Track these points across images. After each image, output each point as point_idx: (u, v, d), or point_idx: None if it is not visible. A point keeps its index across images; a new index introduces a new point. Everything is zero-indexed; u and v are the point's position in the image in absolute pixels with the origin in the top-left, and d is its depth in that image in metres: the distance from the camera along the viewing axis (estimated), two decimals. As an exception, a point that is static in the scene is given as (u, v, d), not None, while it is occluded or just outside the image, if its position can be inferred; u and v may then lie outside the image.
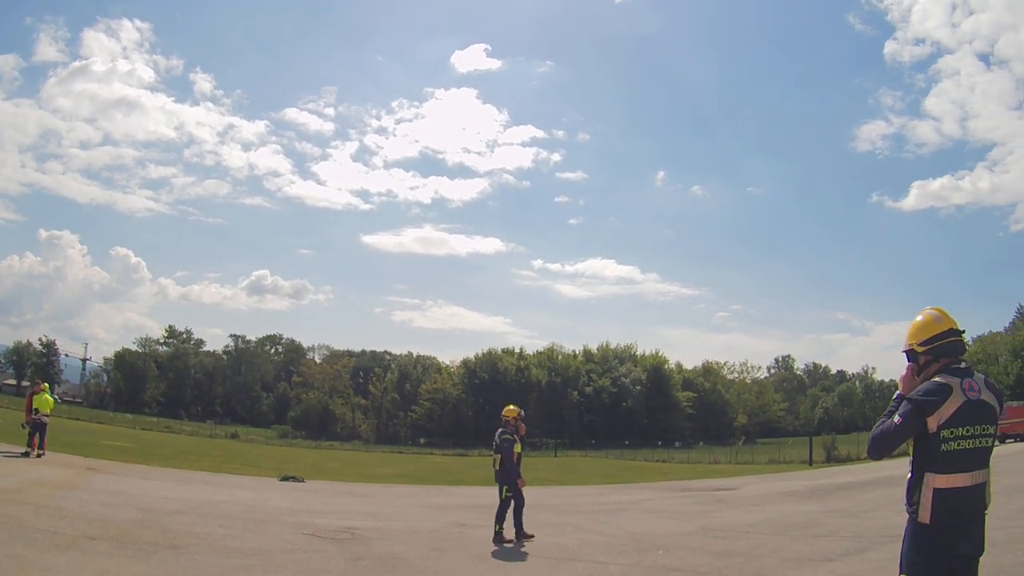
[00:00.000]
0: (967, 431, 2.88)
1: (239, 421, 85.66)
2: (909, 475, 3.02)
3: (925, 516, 2.91)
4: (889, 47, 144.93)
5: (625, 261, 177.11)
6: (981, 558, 3.02)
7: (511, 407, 10.00)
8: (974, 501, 2.93)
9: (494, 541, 8.98)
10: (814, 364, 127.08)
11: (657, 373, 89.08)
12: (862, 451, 34.56)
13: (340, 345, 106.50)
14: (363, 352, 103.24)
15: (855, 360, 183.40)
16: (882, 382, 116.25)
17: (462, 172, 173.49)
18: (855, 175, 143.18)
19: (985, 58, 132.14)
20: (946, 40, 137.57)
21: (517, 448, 9.59)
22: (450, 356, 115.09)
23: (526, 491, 9.59)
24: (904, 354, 3.19)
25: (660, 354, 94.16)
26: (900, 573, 3.04)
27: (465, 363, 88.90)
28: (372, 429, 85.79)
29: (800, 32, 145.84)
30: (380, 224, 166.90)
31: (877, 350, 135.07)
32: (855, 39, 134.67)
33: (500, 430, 9.70)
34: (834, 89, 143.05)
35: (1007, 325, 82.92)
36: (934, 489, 2.88)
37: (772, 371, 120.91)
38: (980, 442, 2.91)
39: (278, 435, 71.54)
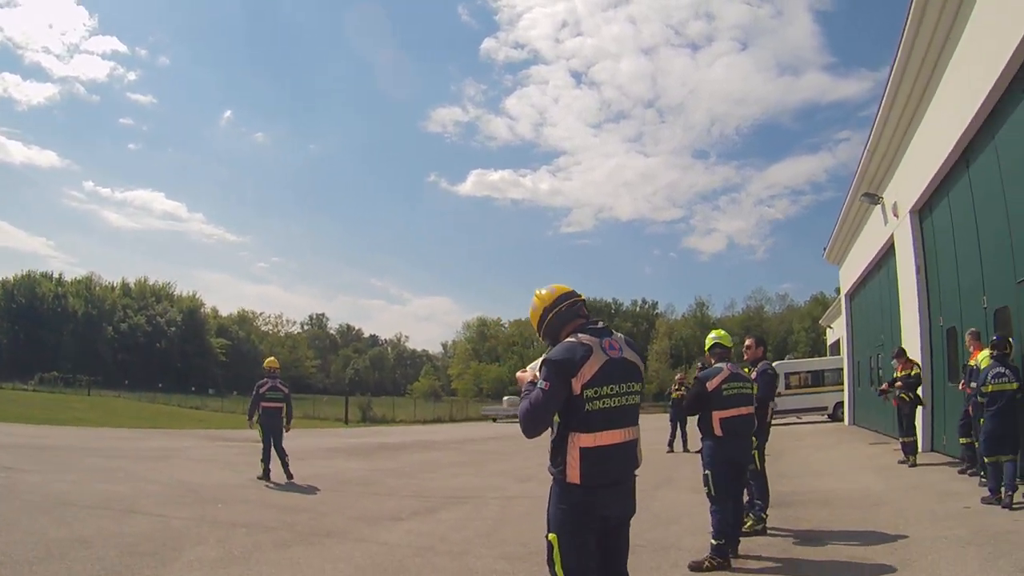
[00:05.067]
0: (611, 389, 2.82)
1: None
2: (552, 436, 2.88)
3: (574, 476, 2.78)
4: (487, 43, 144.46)
5: (174, 196, 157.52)
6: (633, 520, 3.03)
7: (273, 358, 11.01)
8: (623, 459, 2.88)
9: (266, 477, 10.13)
10: (348, 325, 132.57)
11: (193, 316, 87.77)
12: (397, 413, 37.73)
13: None
14: (-103, 262, 77.40)
15: (389, 326, 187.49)
16: (414, 351, 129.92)
17: (36, 74, 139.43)
18: (419, 152, 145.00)
19: (578, 76, 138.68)
20: (545, 51, 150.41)
21: None
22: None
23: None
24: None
25: (197, 297, 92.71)
26: (548, 533, 2.85)
27: (3, 284, 74.57)
28: (-98, 349, 69.50)
29: (408, 8, 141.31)
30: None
31: (412, 320, 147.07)
32: (459, 28, 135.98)
33: (275, 380, 10.38)
34: (423, 68, 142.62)
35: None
36: (580, 448, 2.78)
37: (306, 327, 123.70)
38: (626, 399, 2.88)
39: None
